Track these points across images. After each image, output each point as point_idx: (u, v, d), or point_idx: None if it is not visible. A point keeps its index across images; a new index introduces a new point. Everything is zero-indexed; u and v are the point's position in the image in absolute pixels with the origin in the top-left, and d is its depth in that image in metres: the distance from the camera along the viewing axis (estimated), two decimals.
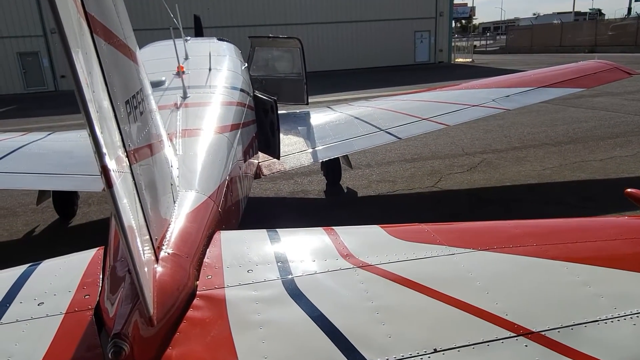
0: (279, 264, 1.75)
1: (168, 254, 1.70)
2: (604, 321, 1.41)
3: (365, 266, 1.70)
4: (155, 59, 5.37)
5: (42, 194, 5.43)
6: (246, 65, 5.59)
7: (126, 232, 1.25)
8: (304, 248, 1.87)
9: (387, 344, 1.39)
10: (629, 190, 2.22)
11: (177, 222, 1.96)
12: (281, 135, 4.52)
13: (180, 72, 3.84)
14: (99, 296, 1.60)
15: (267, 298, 1.58)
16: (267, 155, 4.61)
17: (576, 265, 1.64)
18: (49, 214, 5.83)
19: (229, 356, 1.37)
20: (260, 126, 4.49)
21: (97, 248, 1.93)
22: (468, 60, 35.87)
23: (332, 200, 6.15)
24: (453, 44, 39.73)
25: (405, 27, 32.87)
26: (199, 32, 7.33)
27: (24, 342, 1.45)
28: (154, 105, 2.23)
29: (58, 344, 1.43)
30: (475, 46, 52.88)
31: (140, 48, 6.95)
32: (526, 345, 1.35)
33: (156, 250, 1.61)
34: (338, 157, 5.82)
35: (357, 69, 30.49)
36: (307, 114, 5.73)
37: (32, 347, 1.43)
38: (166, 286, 1.53)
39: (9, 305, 1.59)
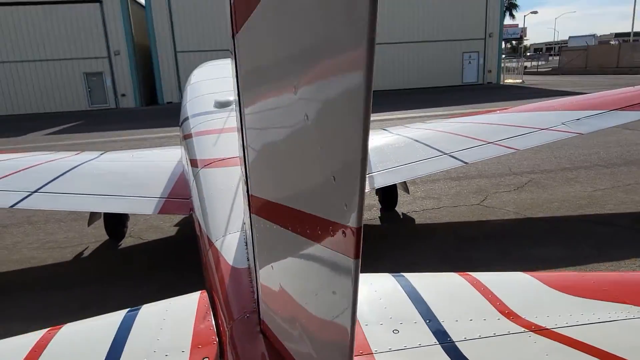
0: (427, 321, 1.42)
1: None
2: None
3: (540, 330, 1.36)
4: (216, 77, 5.77)
5: (93, 215, 5.33)
6: None
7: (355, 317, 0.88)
8: (448, 300, 1.55)
9: None
10: None
11: None
12: None
13: None
14: None
15: None
16: None
17: None
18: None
19: None
20: None
21: (199, 292, 1.68)
22: (518, 81, 35.18)
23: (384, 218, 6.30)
24: (503, 64, 39.13)
25: (453, 48, 32.79)
26: None
27: None
28: None
29: None
30: (526, 67, 51.82)
31: (197, 68, 7.23)
32: None
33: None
34: (396, 184, 5.62)
35: (403, 90, 30.64)
36: None
37: None
38: None
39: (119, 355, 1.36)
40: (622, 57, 39.36)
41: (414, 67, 32.35)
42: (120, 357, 1.35)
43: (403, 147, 5.00)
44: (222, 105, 4.53)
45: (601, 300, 1.48)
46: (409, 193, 6.45)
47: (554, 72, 45.95)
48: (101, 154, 5.29)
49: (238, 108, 1.23)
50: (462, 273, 1.70)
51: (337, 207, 0.79)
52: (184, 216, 5.07)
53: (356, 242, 0.77)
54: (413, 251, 4.93)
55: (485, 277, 1.65)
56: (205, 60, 7.39)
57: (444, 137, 5.19)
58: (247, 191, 1.28)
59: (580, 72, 41.16)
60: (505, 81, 35.33)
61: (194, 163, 3.50)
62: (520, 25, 60.54)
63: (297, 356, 1.11)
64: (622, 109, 5.33)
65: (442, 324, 1.41)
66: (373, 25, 0.63)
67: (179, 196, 3.88)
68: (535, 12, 54.33)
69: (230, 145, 3.37)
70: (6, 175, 4.27)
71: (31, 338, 1.47)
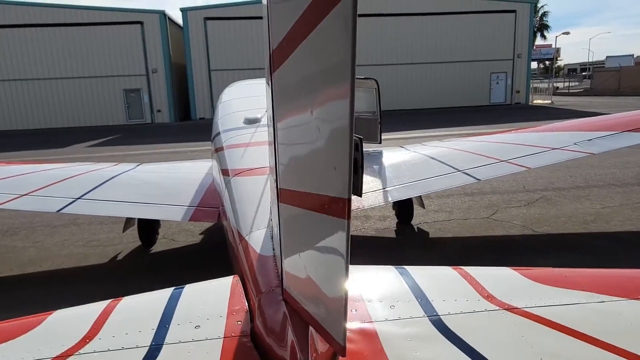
0: (419, 300, 1.72)
1: None
2: None
3: (512, 309, 1.65)
4: (244, 96, 6.34)
5: (128, 221, 5.76)
6: None
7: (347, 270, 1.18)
8: (440, 286, 1.84)
9: None
10: None
11: None
12: None
13: None
14: (252, 323, 1.67)
15: (419, 335, 1.55)
16: None
17: None
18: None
19: None
20: None
21: (232, 277, 2.02)
22: (547, 101, 34.98)
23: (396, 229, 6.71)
24: (533, 85, 38.95)
25: (481, 69, 33.01)
26: None
27: None
28: None
29: None
30: (557, 88, 51.31)
31: (227, 87, 7.76)
32: None
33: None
34: (412, 198, 5.90)
35: (431, 109, 30.99)
36: (381, 153, 5.77)
37: None
38: None
39: (168, 327, 1.65)
40: None
41: (441, 87, 32.67)
42: (170, 320, 1.68)
43: (419, 164, 5.23)
44: (250, 121, 4.91)
45: (568, 288, 1.76)
46: (424, 208, 6.76)
47: (585, 93, 45.35)
48: (137, 165, 5.68)
49: (272, 123, 1.60)
50: (455, 267, 1.98)
51: (336, 187, 1.18)
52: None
53: (348, 207, 1.15)
54: (421, 260, 5.32)
55: (473, 270, 1.94)
56: (236, 78, 7.95)
57: (458, 154, 5.40)
58: (277, 186, 1.61)
59: (612, 93, 40.53)
60: (534, 102, 35.19)
61: (225, 172, 3.86)
62: (554, 46, 59.96)
63: (314, 314, 1.43)
64: (634, 130, 5.39)
65: (431, 302, 1.71)
66: (353, 71, 1.02)
67: (208, 205, 4.28)
68: (567, 33, 53.61)
69: (257, 156, 3.74)
70: (52, 184, 4.75)
71: (99, 306, 1.84)
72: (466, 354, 1.44)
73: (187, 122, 30.28)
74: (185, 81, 30.83)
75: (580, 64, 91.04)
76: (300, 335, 1.45)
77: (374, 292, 1.79)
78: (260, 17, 1.69)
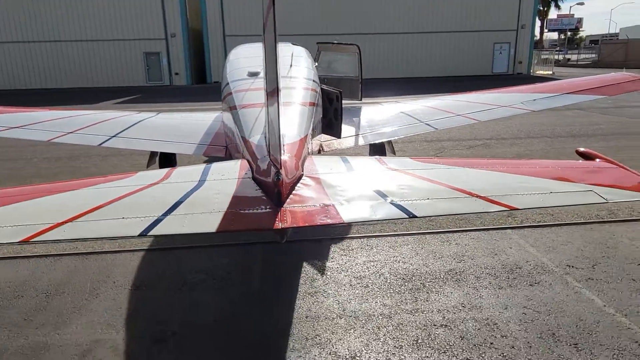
0: (346, 164, 3.05)
1: (289, 156, 2.94)
2: (513, 194, 2.57)
3: (395, 170, 2.92)
4: (249, 56, 8.20)
5: (151, 159, 6.80)
6: (316, 64, 7.15)
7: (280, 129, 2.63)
8: (361, 165, 3.08)
9: (403, 195, 2.57)
10: (579, 149, 3.09)
11: (292, 144, 3.25)
12: None
13: None
14: (253, 174, 2.82)
15: (341, 177, 2.83)
16: (328, 137, 5.54)
17: (511, 175, 2.83)
18: None
19: (324, 196, 2.60)
20: (325, 113, 5.43)
21: (241, 159, 3.19)
22: (548, 72, 36.04)
23: None
24: (542, 56, 39.80)
25: (484, 39, 34.05)
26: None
27: (222, 186, 2.69)
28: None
29: (241, 189, 2.69)
30: (569, 60, 51.80)
31: (232, 49, 9.65)
32: (476, 200, 2.50)
33: (285, 153, 2.86)
34: (384, 143, 7.17)
35: (434, 77, 32.36)
36: (360, 108, 6.81)
37: (228, 190, 2.65)
38: (290, 166, 2.74)
39: (206, 175, 2.83)
40: None
41: (444, 56, 33.82)
42: (208, 172, 2.87)
43: (390, 117, 6.54)
44: (252, 74, 5.99)
45: (434, 164, 3.07)
46: (394, 154, 8.04)
47: (593, 65, 45.98)
48: (157, 114, 6.64)
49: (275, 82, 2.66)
50: (377, 157, 3.21)
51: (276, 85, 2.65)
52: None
53: (278, 94, 2.65)
54: None
55: (386, 158, 3.23)
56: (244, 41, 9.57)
57: (424, 109, 6.62)
58: (267, 97, 2.78)
59: (619, 65, 41.08)
60: (536, 72, 36.25)
61: (233, 107, 5.15)
62: (575, 16, 59.20)
63: (275, 157, 2.66)
64: (571, 93, 6.79)
65: (352, 166, 3.01)
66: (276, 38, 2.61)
67: (217, 144, 5.70)
68: (582, 4, 53.72)
69: (255, 97, 5.08)
70: (92, 124, 6.00)
71: (163, 171, 2.93)
72: (363, 182, 2.80)
73: (202, 85, 32.19)
74: (202, 46, 32.63)
75: (603, 36, 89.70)
76: (275, 167, 2.62)
77: (321, 163, 3.09)
78: None
